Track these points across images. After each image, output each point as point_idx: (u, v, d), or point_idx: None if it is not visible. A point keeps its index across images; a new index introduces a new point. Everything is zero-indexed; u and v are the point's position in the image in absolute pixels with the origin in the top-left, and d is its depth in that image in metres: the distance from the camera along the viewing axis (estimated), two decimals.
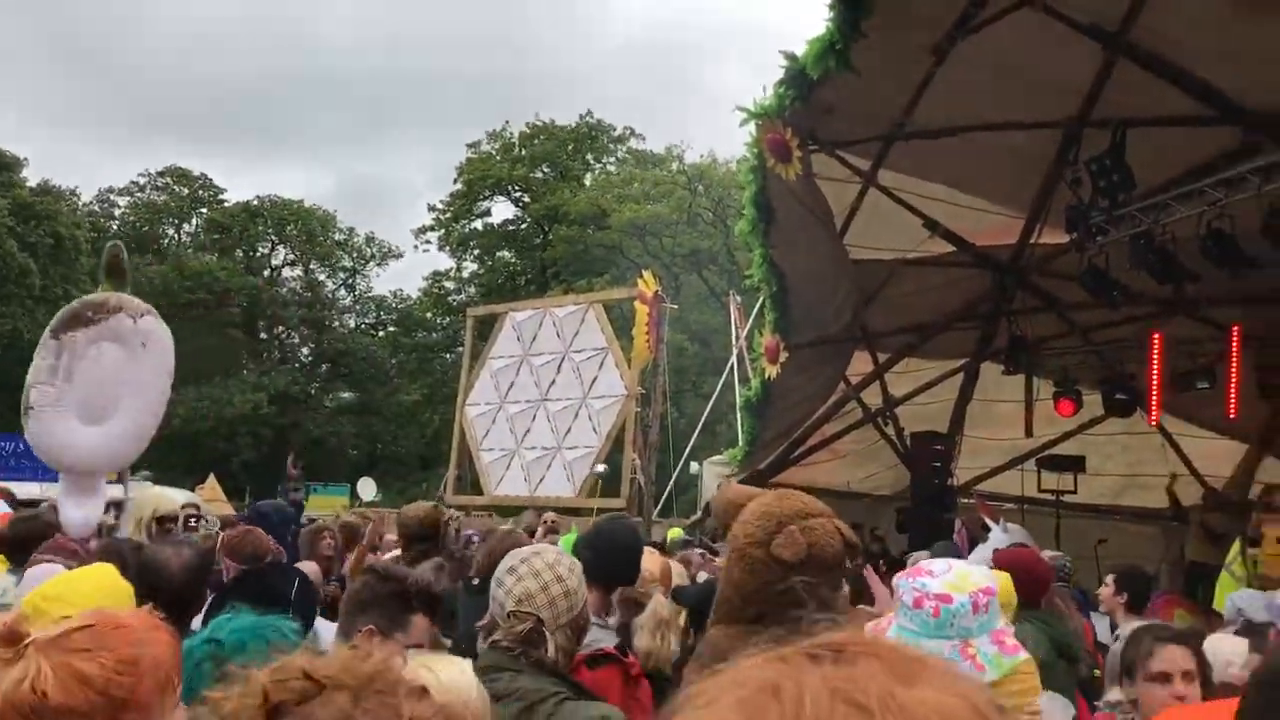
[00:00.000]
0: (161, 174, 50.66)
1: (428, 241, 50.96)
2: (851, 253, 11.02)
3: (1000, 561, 4.61)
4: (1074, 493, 12.50)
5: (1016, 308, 12.06)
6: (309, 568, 5.53)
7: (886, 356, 12.92)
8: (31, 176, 43.76)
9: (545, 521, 10.97)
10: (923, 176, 10.58)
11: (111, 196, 50.92)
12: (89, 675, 1.53)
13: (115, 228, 50.16)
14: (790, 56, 9.20)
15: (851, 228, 11.10)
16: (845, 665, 0.65)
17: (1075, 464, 12.55)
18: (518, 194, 50.63)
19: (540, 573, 2.78)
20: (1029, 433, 12.32)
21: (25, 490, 14.98)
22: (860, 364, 12.88)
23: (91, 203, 50.11)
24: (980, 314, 12.52)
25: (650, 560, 4.72)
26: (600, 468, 19.92)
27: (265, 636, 2.30)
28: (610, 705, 2.75)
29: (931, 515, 12.02)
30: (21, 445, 20.30)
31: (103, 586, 2.47)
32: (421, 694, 1.21)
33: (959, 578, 2.26)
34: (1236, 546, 9.64)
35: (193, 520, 6.44)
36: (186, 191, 50.85)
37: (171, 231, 51.67)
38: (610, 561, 3.97)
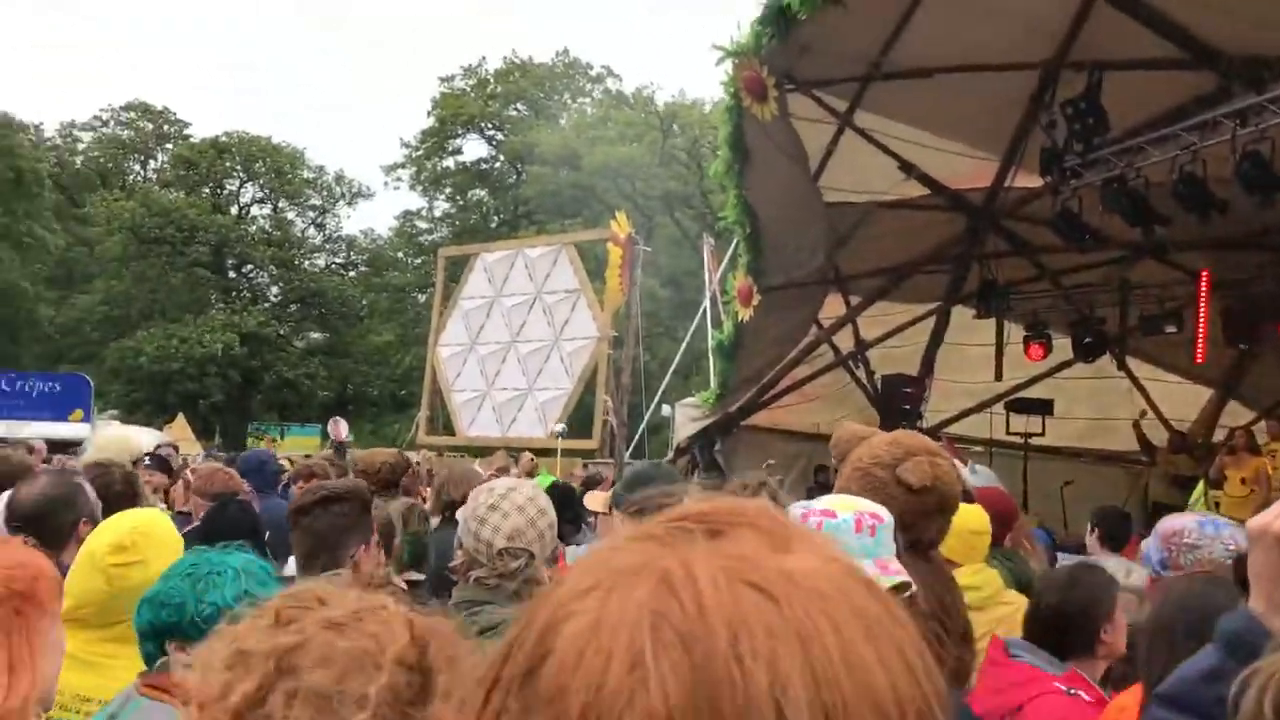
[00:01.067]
0: (125, 109, 49.66)
1: (399, 179, 50.43)
2: (826, 195, 10.98)
3: (980, 498, 4.66)
4: (1042, 435, 12.64)
5: (988, 251, 12.09)
6: None
7: (858, 300, 12.94)
8: None
9: (528, 462, 10.99)
10: (899, 118, 10.51)
11: (74, 131, 49.93)
12: None
13: (79, 163, 49.30)
14: None
15: (826, 169, 11.03)
16: (724, 540, 0.63)
17: (1044, 407, 12.67)
18: (491, 132, 50.07)
19: (524, 508, 2.77)
20: (999, 376, 12.42)
21: None
22: (832, 307, 12.89)
23: (54, 137, 49.12)
24: (953, 257, 12.54)
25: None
26: (559, 426, 19.87)
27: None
28: None
29: None
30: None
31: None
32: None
33: (846, 499, 2.26)
34: (1200, 489, 9.80)
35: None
36: (151, 127, 49.90)
37: (137, 167, 50.79)
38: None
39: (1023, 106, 9.92)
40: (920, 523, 2.53)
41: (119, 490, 3.84)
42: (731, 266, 14.71)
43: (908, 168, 10.87)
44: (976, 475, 7.64)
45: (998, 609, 3.70)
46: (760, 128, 10.26)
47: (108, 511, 3.17)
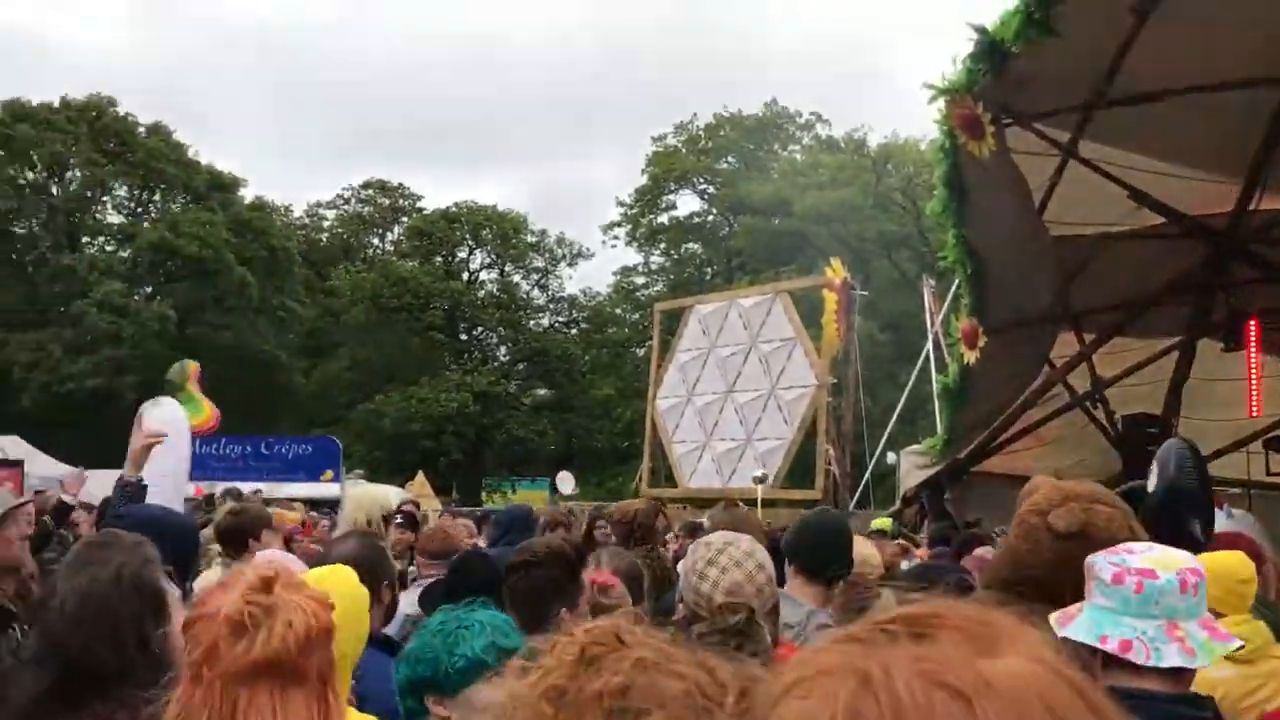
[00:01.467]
0: (364, 186, 53.40)
1: (615, 237, 51.88)
2: (1051, 229, 10.54)
3: (1219, 544, 4.34)
4: None
5: (1235, 279, 11.27)
6: None
7: (1093, 337, 12.29)
8: (247, 195, 46.90)
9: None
10: (1127, 146, 10.00)
11: (320, 210, 54.04)
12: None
13: (325, 240, 53.21)
14: (980, 29, 8.87)
15: (1051, 203, 10.60)
16: (926, 643, 0.64)
17: None
18: (703, 185, 50.83)
19: (741, 562, 2.77)
20: (1255, 412, 11.50)
21: (248, 489, 16.08)
22: (1065, 346, 12.30)
23: (302, 217, 53.30)
24: (1194, 287, 11.75)
25: (871, 549, 4.66)
26: (759, 473, 19.64)
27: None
28: None
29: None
30: (249, 448, 21.78)
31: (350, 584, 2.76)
32: None
33: (1164, 555, 2.14)
34: None
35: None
36: (388, 202, 53.42)
37: (376, 240, 54.35)
38: (820, 552, 3.84)
39: (1265, 122, 9.26)
40: (1060, 572, 2.41)
41: None
42: (954, 308, 14.30)
43: (1139, 196, 10.31)
44: (1232, 520, 7.10)
45: (1268, 662, 3.44)
46: (978, 165, 9.98)
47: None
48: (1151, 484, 5.42)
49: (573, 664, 1.16)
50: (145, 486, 4.61)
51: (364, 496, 6.69)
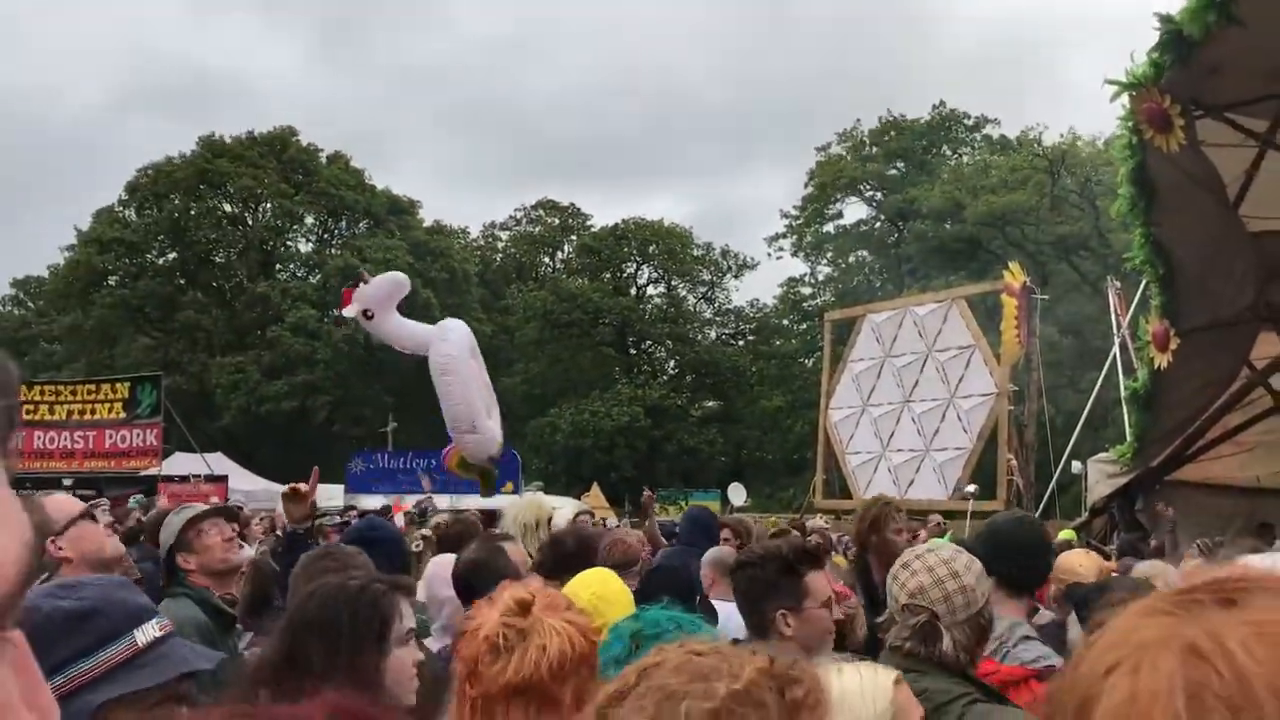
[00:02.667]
0: (535, 207, 54.87)
1: (781, 249, 51.65)
2: (1249, 224, 10.00)
3: None
4: None
5: None
6: None
7: None
8: (426, 218, 48.80)
9: (935, 526, 10.70)
10: None
11: (495, 231, 55.79)
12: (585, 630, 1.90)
13: (499, 260, 54.86)
14: (1165, 18, 8.53)
15: (1248, 197, 10.06)
16: (1241, 607, 0.62)
17: None
18: (870, 192, 50.10)
19: (934, 568, 2.76)
20: None
21: (437, 502, 16.71)
22: (1267, 346, 11.62)
23: (478, 238, 55.11)
24: None
25: (1084, 557, 4.54)
26: (971, 488, 19.16)
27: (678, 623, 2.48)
28: (1025, 710, 2.64)
29: None
30: (434, 462, 22.66)
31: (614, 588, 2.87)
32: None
33: None
34: None
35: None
36: (558, 221, 54.69)
37: (547, 259, 55.70)
38: (1020, 561, 3.57)
39: None
40: None
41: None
42: (1142, 309, 13.71)
43: None
44: None
45: None
46: (1166, 160, 9.58)
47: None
48: None
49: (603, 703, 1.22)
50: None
51: (522, 504, 6.88)
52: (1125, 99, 9.61)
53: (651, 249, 51.17)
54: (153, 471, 21.08)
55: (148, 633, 1.84)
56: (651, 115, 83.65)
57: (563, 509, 9.84)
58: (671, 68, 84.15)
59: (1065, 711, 0.64)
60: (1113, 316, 21.61)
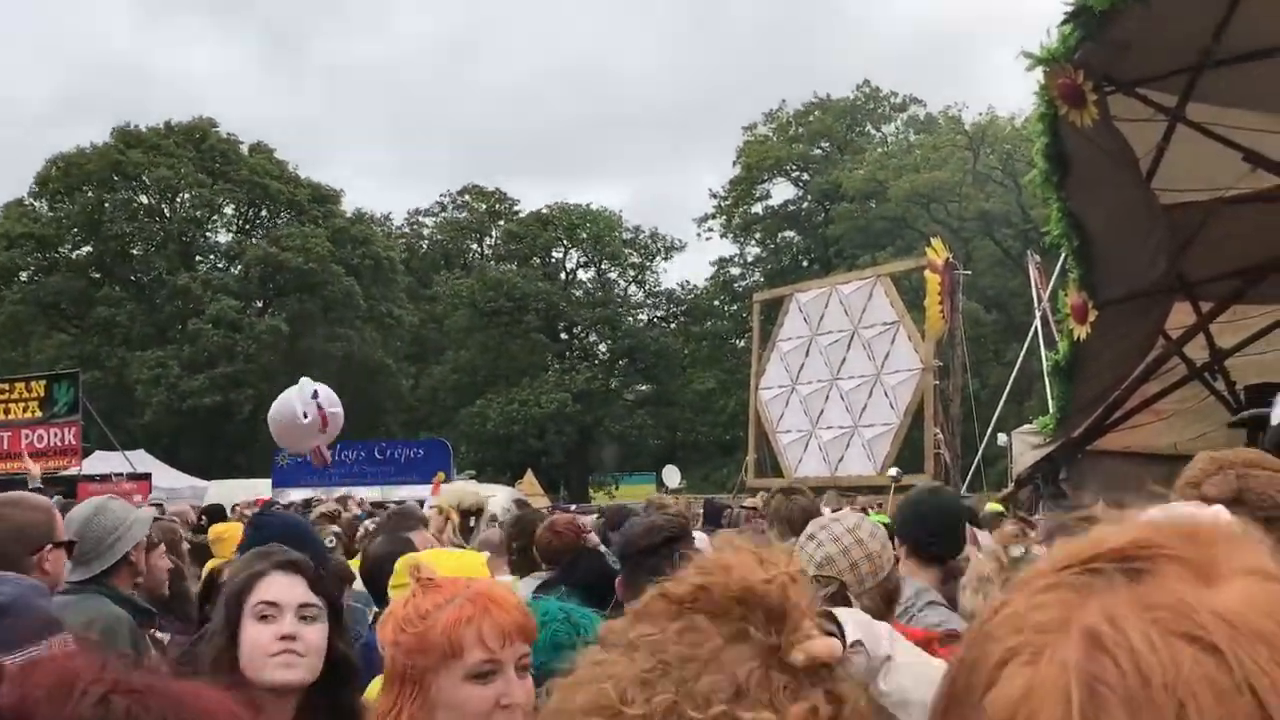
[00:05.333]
0: (461, 193, 54.31)
1: (710, 229, 51.80)
2: (1161, 197, 10.19)
3: None
4: None
5: None
6: None
7: (1210, 306, 11.86)
8: (348, 209, 48.06)
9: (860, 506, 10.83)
10: (1239, 106, 9.62)
11: (419, 218, 55.13)
12: None
13: (425, 247, 54.25)
14: None
15: (1159, 170, 10.25)
16: (1146, 580, 0.58)
17: None
18: (796, 173, 50.42)
19: (840, 537, 2.77)
20: None
21: (367, 494, 16.53)
22: (1181, 316, 11.89)
23: (403, 225, 54.44)
24: None
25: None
26: (894, 470, 19.39)
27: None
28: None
29: None
30: (363, 452, 22.36)
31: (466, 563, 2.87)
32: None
33: None
34: None
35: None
36: (485, 207, 54.20)
37: (475, 246, 55.22)
38: (930, 529, 3.71)
39: None
40: None
41: None
42: (1061, 283, 13.95)
43: (1254, 158, 9.91)
44: None
45: None
46: (1081, 135, 9.72)
47: None
48: (1275, 418, 5.27)
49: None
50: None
51: (450, 491, 6.84)
52: (1040, 74, 9.73)
53: (579, 233, 51.01)
54: (72, 471, 20.50)
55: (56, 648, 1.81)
56: (583, 109, 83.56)
57: (496, 496, 9.77)
58: (603, 61, 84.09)
59: (958, 694, 0.60)
60: (1033, 290, 22.03)
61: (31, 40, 76.94)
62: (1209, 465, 2.68)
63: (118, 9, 79.11)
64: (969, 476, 21.01)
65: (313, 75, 79.39)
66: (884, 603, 2.78)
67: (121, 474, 20.75)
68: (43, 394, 22.06)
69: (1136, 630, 0.55)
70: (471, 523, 6.32)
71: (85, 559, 3.61)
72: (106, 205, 42.58)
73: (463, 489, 7.34)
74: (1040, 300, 21.65)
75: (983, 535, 5.84)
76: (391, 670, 1.88)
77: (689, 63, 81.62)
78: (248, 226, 47.16)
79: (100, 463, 22.57)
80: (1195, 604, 0.56)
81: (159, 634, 3.82)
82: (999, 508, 11.46)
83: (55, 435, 21.79)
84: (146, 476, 20.94)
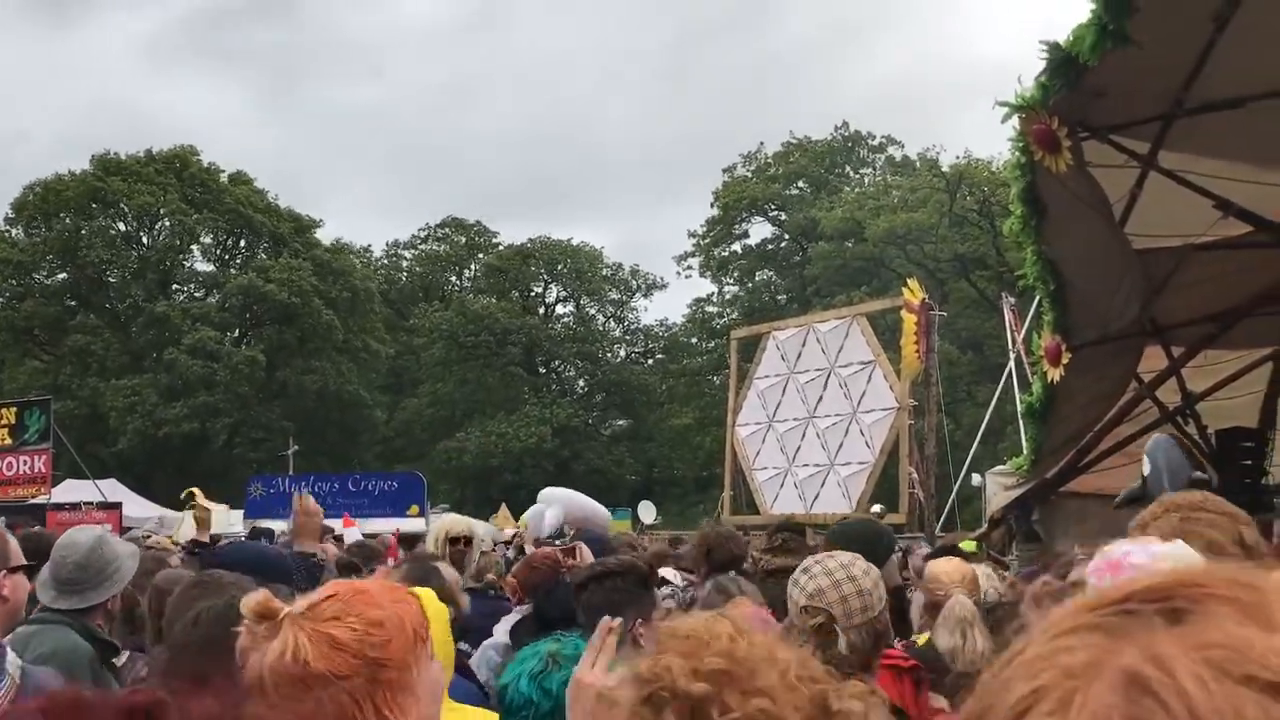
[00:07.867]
0: (441, 225, 54.34)
1: (689, 268, 52.05)
2: (1134, 242, 10.32)
3: None
4: None
5: None
6: None
7: (1182, 350, 12.01)
8: (325, 238, 47.98)
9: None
10: (1209, 154, 9.79)
11: (399, 250, 55.09)
12: (343, 640, 1.62)
13: (404, 279, 54.19)
14: (1053, 45, 8.79)
15: (1132, 216, 10.39)
16: (1191, 621, 0.51)
17: None
18: (774, 212, 50.79)
19: (832, 571, 2.83)
20: None
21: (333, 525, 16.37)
22: (1153, 360, 12.02)
23: (382, 257, 54.37)
24: None
25: (949, 565, 4.67)
26: (876, 508, 19.53)
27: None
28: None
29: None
30: (336, 485, 22.22)
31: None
32: None
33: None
34: None
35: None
36: (464, 240, 54.26)
37: (454, 279, 55.21)
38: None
39: None
40: None
41: None
42: (1036, 325, 14.10)
43: (1224, 205, 10.08)
44: None
45: None
46: (1055, 180, 9.85)
47: None
48: (1146, 469, 5.43)
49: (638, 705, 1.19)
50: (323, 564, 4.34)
51: (440, 523, 6.86)
52: (1016, 120, 9.88)
53: (559, 268, 51.13)
54: (42, 499, 20.26)
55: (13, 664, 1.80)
56: (568, 156, 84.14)
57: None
58: (589, 106, 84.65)
59: None
60: (1008, 332, 22.24)
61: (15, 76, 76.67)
62: (1157, 508, 2.81)
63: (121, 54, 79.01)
64: (943, 516, 21.08)
65: (297, 110, 79.39)
66: (873, 641, 2.83)
67: (91, 502, 20.47)
68: (13, 421, 21.82)
69: (1186, 671, 0.48)
70: (461, 545, 6.30)
71: (80, 588, 3.57)
72: (84, 232, 42.40)
73: (453, 518, 7.36)
74: (1015, 342, 21.85)
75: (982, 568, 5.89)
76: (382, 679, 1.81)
77: (671, 113, 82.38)
78: (226, 256, 47.01)
79: (71, 491, 22.29)
80: (1252, 646, 0.49)
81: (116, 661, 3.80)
82: (973, 546, 11.50)
83: (25, 463, 21.54)
84: (117, 506, 20.70)
